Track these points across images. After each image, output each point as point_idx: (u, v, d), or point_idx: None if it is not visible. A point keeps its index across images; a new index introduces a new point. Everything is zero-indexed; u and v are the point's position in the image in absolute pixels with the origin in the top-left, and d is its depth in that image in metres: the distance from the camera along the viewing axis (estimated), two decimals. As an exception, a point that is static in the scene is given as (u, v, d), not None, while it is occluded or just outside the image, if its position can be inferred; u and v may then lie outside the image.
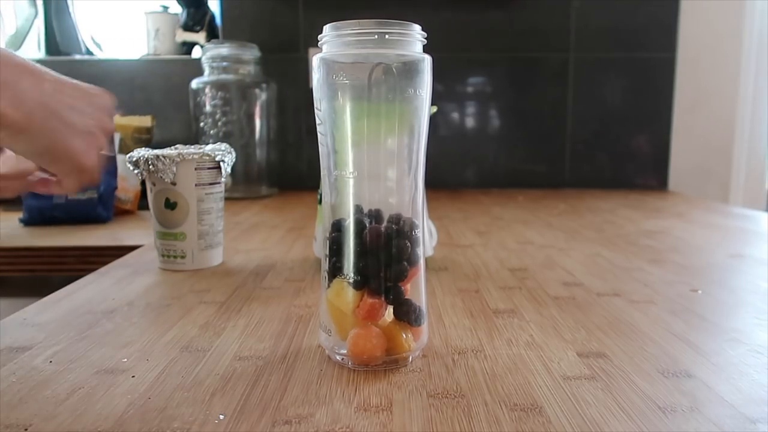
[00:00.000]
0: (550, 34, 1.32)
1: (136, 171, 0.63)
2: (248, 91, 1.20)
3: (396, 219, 0.37)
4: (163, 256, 0.64)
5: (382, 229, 0.36)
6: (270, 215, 0.99)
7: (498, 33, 1.32)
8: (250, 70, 1.21)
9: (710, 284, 0.56)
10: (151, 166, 0.62)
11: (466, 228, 0.86)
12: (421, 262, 0.38)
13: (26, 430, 0.29)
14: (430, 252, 0.63)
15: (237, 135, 1.19)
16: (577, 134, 1.34)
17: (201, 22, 1.34)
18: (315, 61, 0.36)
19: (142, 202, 1.05)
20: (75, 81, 0.44)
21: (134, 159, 0.63)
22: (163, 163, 0.62)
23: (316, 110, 0.37)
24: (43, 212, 0.95)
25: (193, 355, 0.39)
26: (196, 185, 0.63)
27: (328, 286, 0.37)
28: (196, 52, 1.38)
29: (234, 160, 0.68)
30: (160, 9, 1.39)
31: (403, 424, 0.30)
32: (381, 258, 0.36)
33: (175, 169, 0.62)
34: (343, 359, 0.37)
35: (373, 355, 0.36)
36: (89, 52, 1.45)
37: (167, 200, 0.63)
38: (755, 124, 1.33)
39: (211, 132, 1.19)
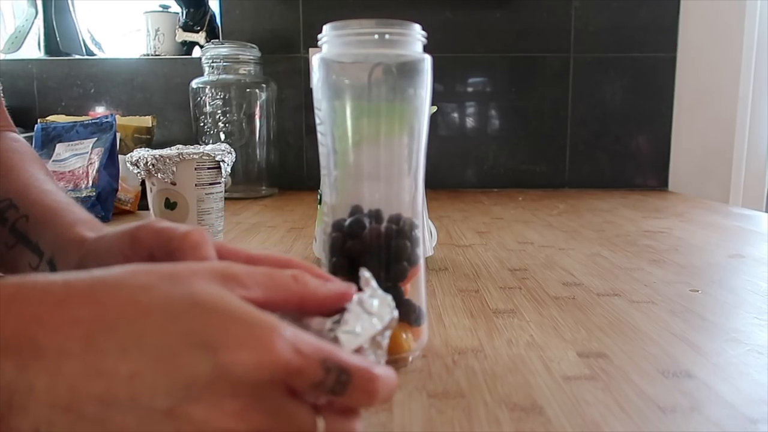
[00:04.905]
0: (550, 34, 1.31)
1: (136, 171, 0.63)
2: (248, 91, 1.20)
3: (396, 219, 0.37)
4: (163, 256, 0.64)
5: (382, 229, 0.36)
6: (270, 215, 0.99)
7: (498, 33, 1.32)
8: (250, 70, 1.21)
9: (710, 284, 0.56)
10: (151, 166, 0.62)
11: (466, 228, 0.86)
12: (421, 262, 0.38)
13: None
14: (430, 252, 0.63)
15: (237, 135, 1.19)
16: (577, 134, 1.34)
17: (201, 22, 1.34)
18: (315, 61, 0.36)
19: (142, 202, 1.05)
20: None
21: (134, 159, 0.63)
22: (163, 163, 0.62)
23: (316, 110, 0.37)
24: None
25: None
26: (196, 185, 0.63)
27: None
28: (196, 52, 1.38)
29: (234, 160, 0.68)
30: (160, 9, 1.39)
31: (403, 424, 0.30)
32: (381, 258, 0.36)
33: (175, 169, 0.62)
34: (343, 359, 0.37)
35: (373, 355, 0.36)
36: (89, 52, 1.45)
37: (167, 200, 0.63)
38: (755, 124, 1.33)
39: (211, 132, 1.19)
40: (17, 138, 0.51)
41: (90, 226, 0.39)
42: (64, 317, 0.21)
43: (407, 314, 0.37)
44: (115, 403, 0.21)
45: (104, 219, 0.96)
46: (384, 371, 0.24)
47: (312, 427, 0.23)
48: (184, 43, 1.37)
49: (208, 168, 0.64)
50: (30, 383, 0.20)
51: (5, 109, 0.53)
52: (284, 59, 1.31)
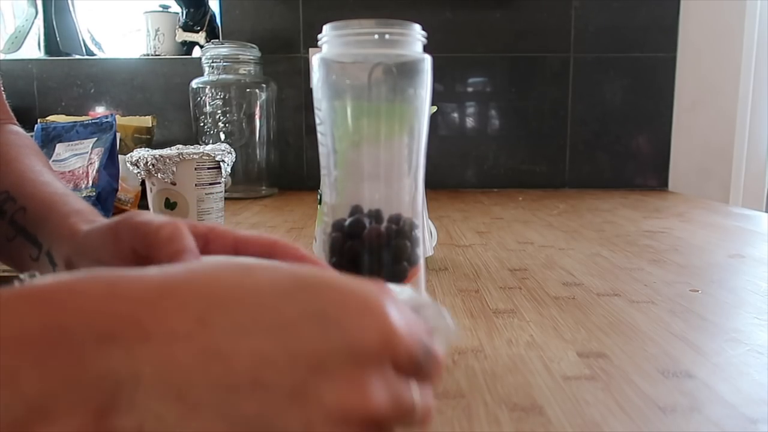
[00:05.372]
0: (550, 34, 1.31)
1: (136, 171, 0.63)
2: (248, 91, 1.20)
3: (396, 219, 0.37)
4: (163, 256, 0.63)
5: (382, 229, 0.36)
6: (270, 215, 0.99)
7: (498, 33, 1.32)
8: (250, 70, 1.21)
9: (710, 284, 0.56)
10: (151, 166, 0.62)
11: (466, 228, 0.86)
12: (421, 262, 0.38)
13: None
14: (430, 252, 0.63)
15: (237, 135, 1.19)
16: (577, 134, 1.34)
17: (201, 22, 1.34)
18: (315, 61, 0.36)
19: (142, 202, 1.05)
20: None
21: (134, 159, 0.63)
22: (163, 163, 0.62)
23: (316, 110, 0.37)
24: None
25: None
26: (196, 185, 0.63)
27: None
28: (196, 52, 1.38)
29: (234, 160, 0.68)
30: (160, 9, 1.39)
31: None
32: (381, 258, 0.36)
33: (175, 169, 0.62)
34: (343, 359, 0.37)
35: (373, 355, 0.36)
36: (89, 52, 1.45)
37: (167, 200, 0.63)
38: (755, 124, 1.33)
39: (211, 132, 1.19)
40: (17, 130, 0.51)
41: (83, 217, 0.39)
42: (171, 302, 0.19)
43: (407, 314, 0.37)
44: (235, 387, 0.18)
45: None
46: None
47: (413, 400, 0.22)
48: (184, 43, 1.37)
49: (208, 168, 0.64)
50: (136, 371, 0.18)
51: (5, 101, 0.53)
52: (284, 59, 1.31)
